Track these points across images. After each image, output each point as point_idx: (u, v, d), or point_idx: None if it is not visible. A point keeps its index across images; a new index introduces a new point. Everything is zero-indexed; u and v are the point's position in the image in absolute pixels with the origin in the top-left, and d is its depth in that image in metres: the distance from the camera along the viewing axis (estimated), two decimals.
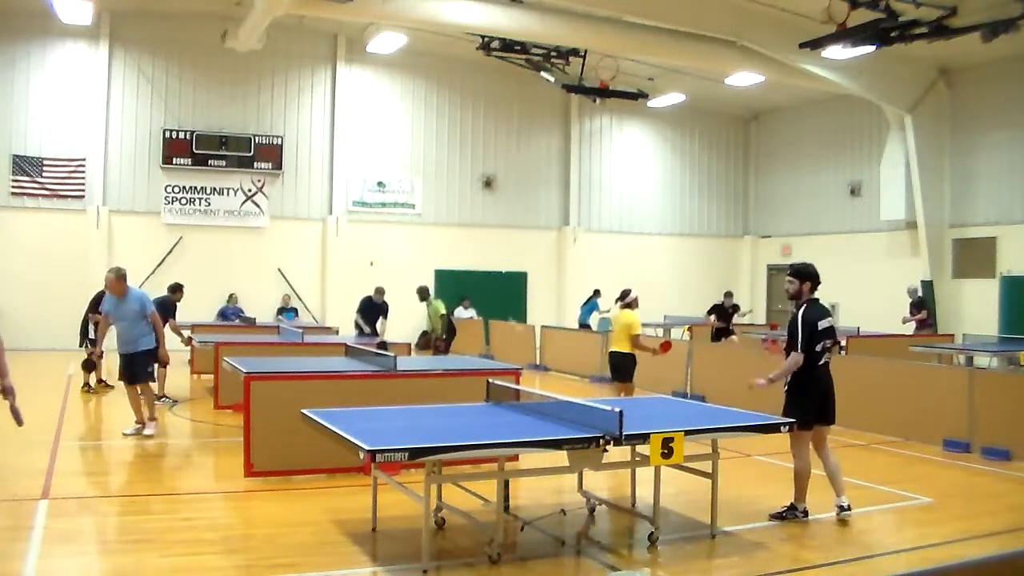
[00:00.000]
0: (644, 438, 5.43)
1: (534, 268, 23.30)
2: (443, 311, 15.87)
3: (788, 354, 6.64)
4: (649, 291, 23.23)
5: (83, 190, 19.22)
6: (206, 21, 19.37)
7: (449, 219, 22.57)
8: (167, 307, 12.49)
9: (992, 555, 2.63)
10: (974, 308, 19.08)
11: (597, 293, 20.59)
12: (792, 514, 6.56)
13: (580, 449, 5.34)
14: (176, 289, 13.12)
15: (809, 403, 6.56)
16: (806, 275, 6.76)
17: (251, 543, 5.91)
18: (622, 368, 10.04)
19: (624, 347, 9.96)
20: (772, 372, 6.71)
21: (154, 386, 10.40)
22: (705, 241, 25.52)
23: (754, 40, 17.09)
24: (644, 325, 19.86)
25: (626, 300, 10.20)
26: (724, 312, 17.22)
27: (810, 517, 6.57)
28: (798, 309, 6.70)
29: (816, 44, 14.69)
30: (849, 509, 6.55)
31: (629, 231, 24.58)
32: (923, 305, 18.11)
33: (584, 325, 20.11)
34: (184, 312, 13.76)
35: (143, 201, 19.79)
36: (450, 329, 16.18)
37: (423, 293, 16.11)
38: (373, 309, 15.35)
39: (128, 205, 19.62)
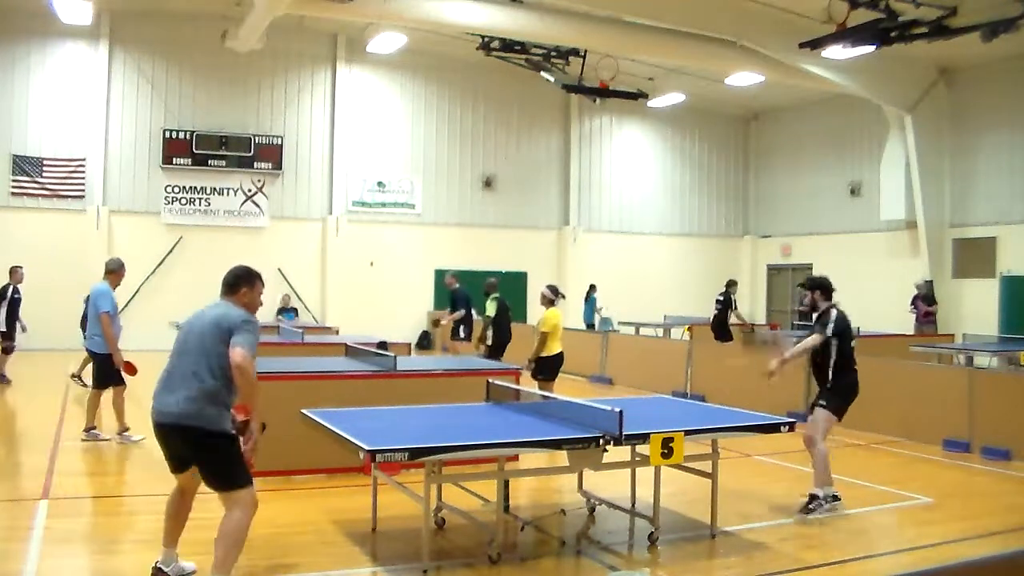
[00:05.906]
0: (644, 438, 5.43)
1: (534, 268, 23.26)
2: (491, 312, 13.02)
3: None
4: (649, 291, 23.37)
5: (83, 190, 19.22)
6: (206, 21, 19.36)
7: (449, 219, 22.57)
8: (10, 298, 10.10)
9: (992, 555, 2.64)
10: (974, 308, 19.06)
11: (593, 288, 20.60)
12: (818, 503, 6.62)
13: (580, 449, 5.34)
14: (12, 272, 10.49)
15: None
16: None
17: (251, 543, 5.87)
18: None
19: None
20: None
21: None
22: (705, 241, 25.51)
23: (754, 40, 17.08)
24: (644, 325, 20.12)
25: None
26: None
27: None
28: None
29: (816, 44, 14.68)
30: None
31: (629, 231, 24.57)
32: (933, 300, 18.16)
33: (590, 324, 20.11)
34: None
35: (143, 201, 19.79)
36: (501, 339, 12.86)
37: (493, 287, 13.54)
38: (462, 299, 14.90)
39: (128, 205, 19.63)
